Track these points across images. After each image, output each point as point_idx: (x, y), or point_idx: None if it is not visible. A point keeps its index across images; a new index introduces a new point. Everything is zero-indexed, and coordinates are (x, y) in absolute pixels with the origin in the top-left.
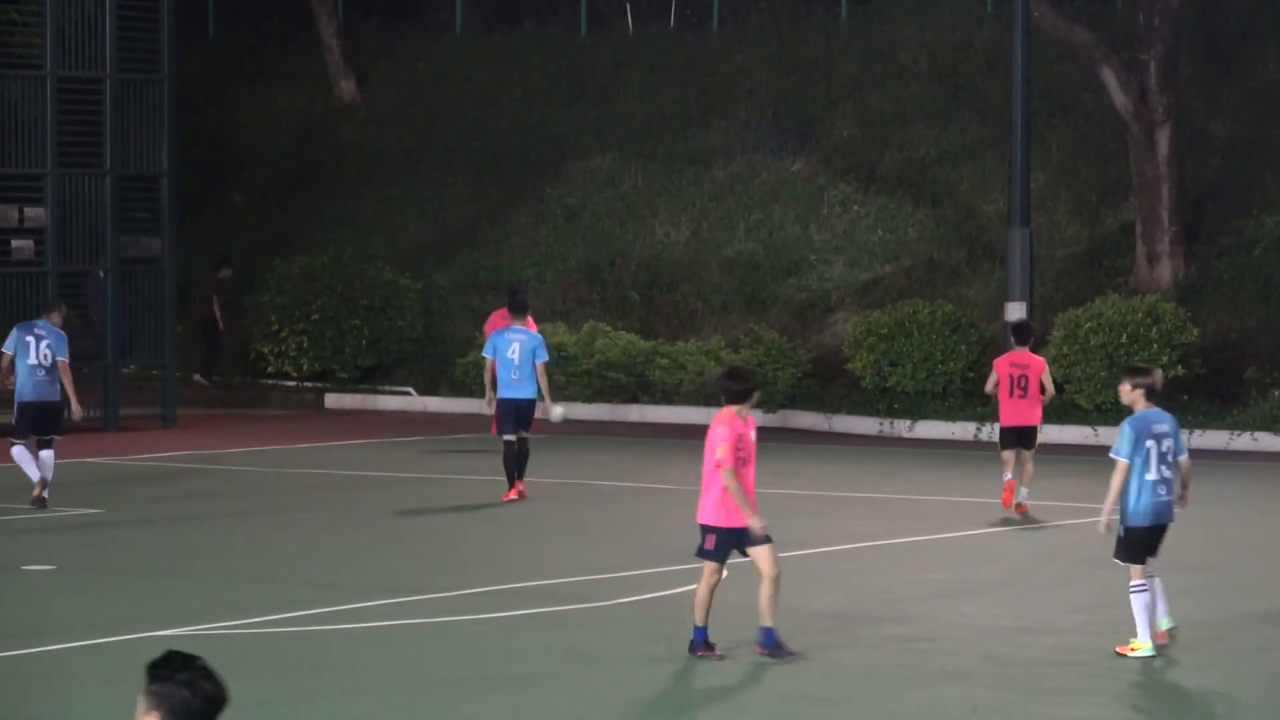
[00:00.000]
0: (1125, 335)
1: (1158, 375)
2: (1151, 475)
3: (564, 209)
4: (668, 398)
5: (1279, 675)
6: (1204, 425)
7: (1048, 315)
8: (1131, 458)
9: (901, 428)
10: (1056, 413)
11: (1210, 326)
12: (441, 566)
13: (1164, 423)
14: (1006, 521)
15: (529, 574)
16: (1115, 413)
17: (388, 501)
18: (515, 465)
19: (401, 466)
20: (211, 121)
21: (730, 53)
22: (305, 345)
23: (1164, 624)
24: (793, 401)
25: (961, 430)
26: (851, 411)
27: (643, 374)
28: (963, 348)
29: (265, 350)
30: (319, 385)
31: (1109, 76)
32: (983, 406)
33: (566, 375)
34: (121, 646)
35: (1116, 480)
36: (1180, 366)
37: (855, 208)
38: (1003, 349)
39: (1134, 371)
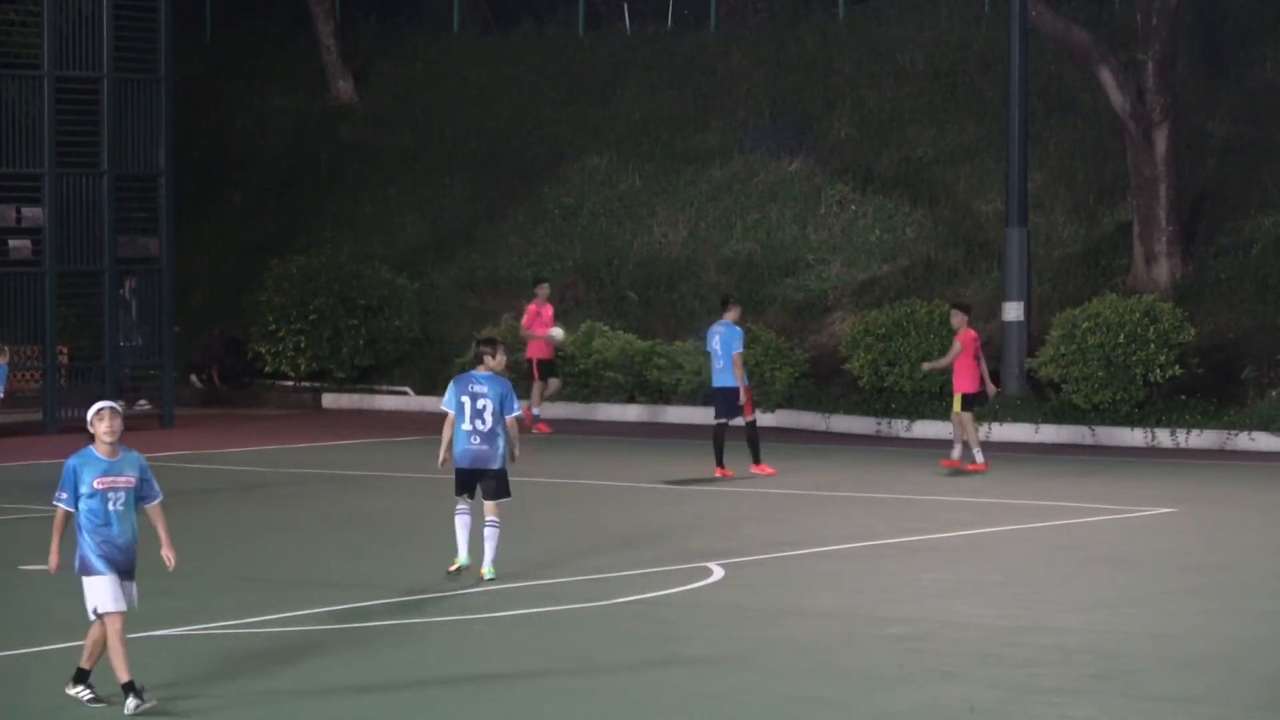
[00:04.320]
0: (1123, 335)
1: (489, 348)
2: (466, 426)
3: (561, 209)
4: (665, 397)
5: (1277, 675)
6: (1201, 425)
7: (1045, 315)
8: (455, 409)
9: (899, 427)
10: (1054, 412)
11: (1208, 326)
12: (441, 566)
13: (483, 384)
14: (1004, 520)
15: (528, 574)
16: (1113, 413)
17: (386, 501)
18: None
19: (399, 466)
20: (209, 121)
21: (728, 53)
22: (303, 345)
23: (461, 560)
24: (790, 401)
25: None
26: (849, 411)
27: (640, 374)
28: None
29: (263, 350)
30: (316, 385)
31: (1106, 76)
32: (980, 406)
33: (564, 375)
34: None
35: (445, 429)
36: (1178, 366)
37: (853, 207)
38: (997, 349)
39: (482, 343)
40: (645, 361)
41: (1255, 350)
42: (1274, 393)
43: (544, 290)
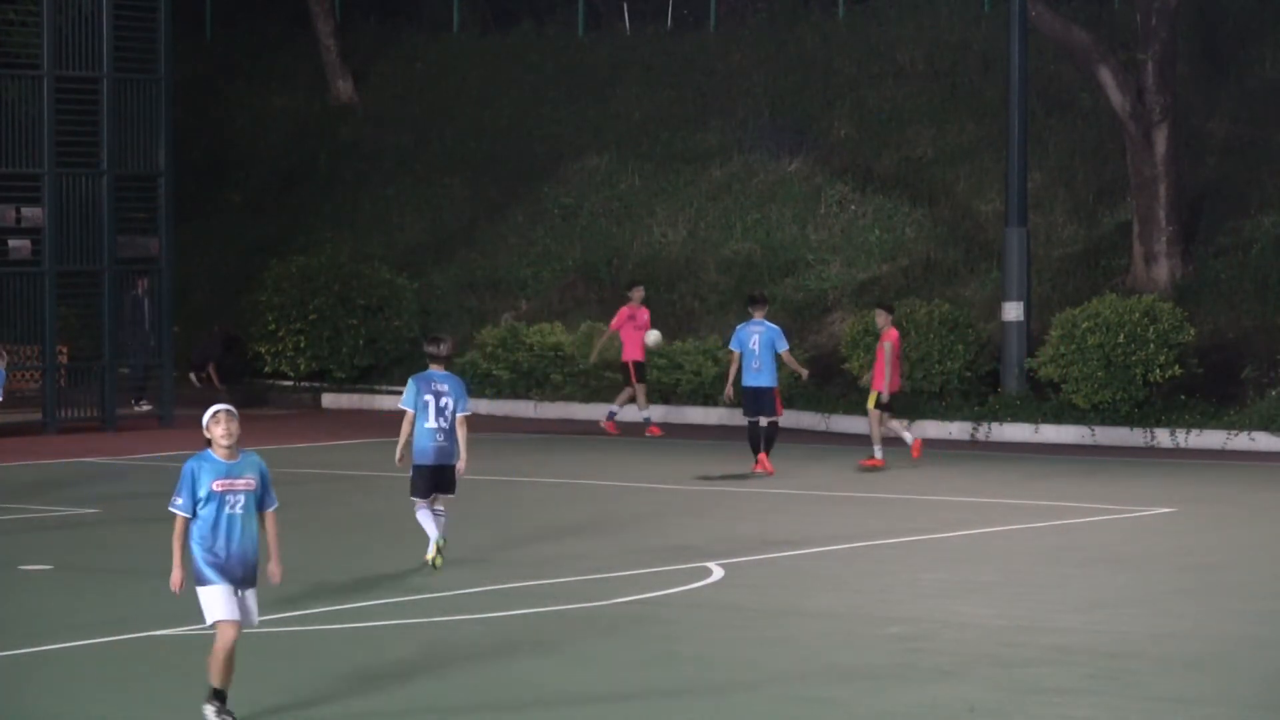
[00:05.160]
0: (1122, 335)
1: (445, 346)
2: (430, 424)
3: (561, 209)
4: (665, 397)
5: (1276, 675)
6: (1201, 425)
7: (1045, 315)
8: (416, 408)
9: (898, 427)
10: (1054, 412)
11: (1207, 326)
12: (441, 567)
13: (445, 382)
14: (1004, 520)
15: (529, 574)
16: (1112, 412)
17: (385, 501)
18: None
19: (399, 466)
20: (208, 121)
21: (727, 52)
22: (302, 345)
23: (438, 542)
24: (790, 401)
25: (958, 430)
26: (848, 411)
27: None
28: (960, 347)
29: (262, 350)
30: (316, 385)
31: (1106, 76)
32: (980, 405)
33: (564, 374)
34: (120, 646)
35: (405, 426)
36: (1177, 366)
37: (852, 207)
38: (997, 348)
39: (430, 340)
40: (645, 362)
41: (1255, 350)
42: (1274, 393)
43: (639, 293)
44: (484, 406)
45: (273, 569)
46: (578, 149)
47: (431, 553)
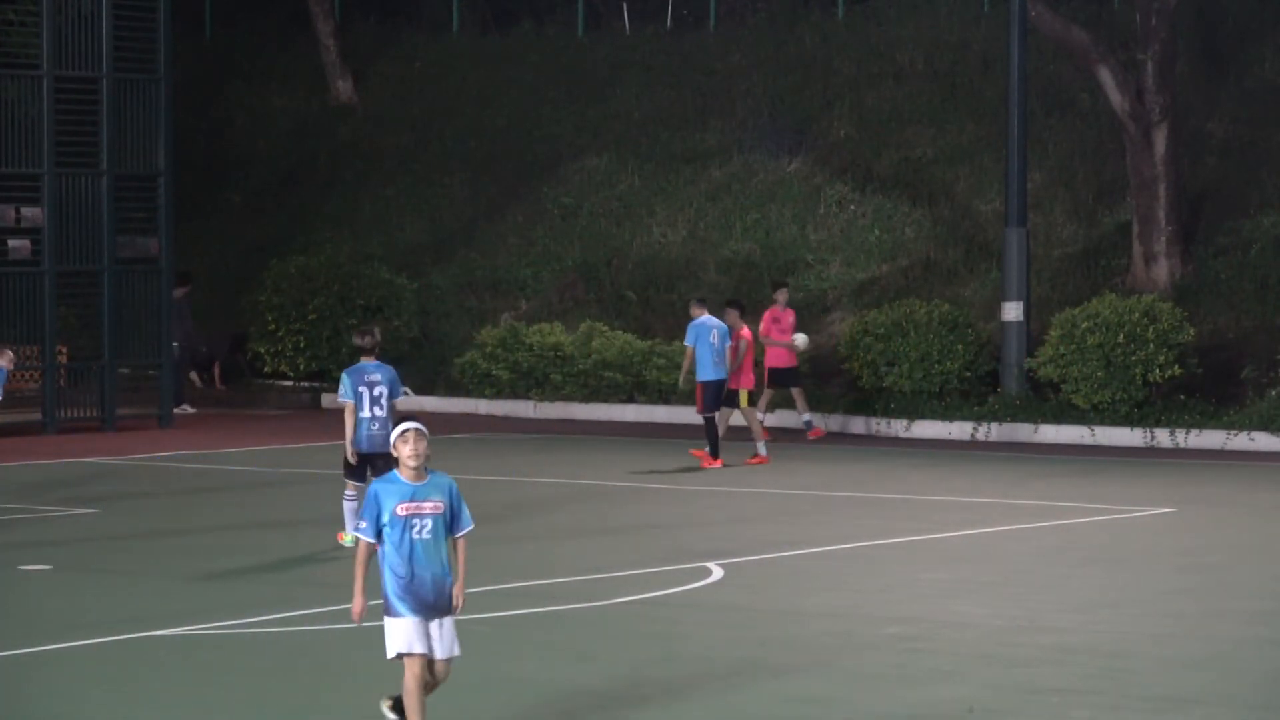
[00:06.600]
0: (1122, 335)
1: (374, 336)
2: (365, 414)
3: (560, 209)
4: (664, 397)
5: (1276, 675)
6: (1200, 425)
7: (1044, 315)
8: (354, 399)
9: (898, 427)
10: (1054, 412)
11: (1207, 326)
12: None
13: (377, 373)
14: (1004, 520)
15: (529, 574)
16: (1112, 412)
17: None
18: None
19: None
20: (208, 121)
21: (727, 52)
22: (302, 345)
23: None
24: (789, 401)
25: (958, 430)
26: (848, 411)
27: (639, 374)
28: (959, 347)
29: (262, 350)
30: (316, 385)
31: (1106, 76)
32: (979, 405)
33: (563, 375)
34: (119, 646)
35: (349, 418)
36: (1177, 366)
37: (852, 207)
38: (997, 348)
39: (357, 331)
40: (645, 361)
41: (1255, 350)
42: (1274, 393)
43: (783, 295)
44: (484, 406)
45: (455, 592)
46: (577, 149)
47: (344, 539)
